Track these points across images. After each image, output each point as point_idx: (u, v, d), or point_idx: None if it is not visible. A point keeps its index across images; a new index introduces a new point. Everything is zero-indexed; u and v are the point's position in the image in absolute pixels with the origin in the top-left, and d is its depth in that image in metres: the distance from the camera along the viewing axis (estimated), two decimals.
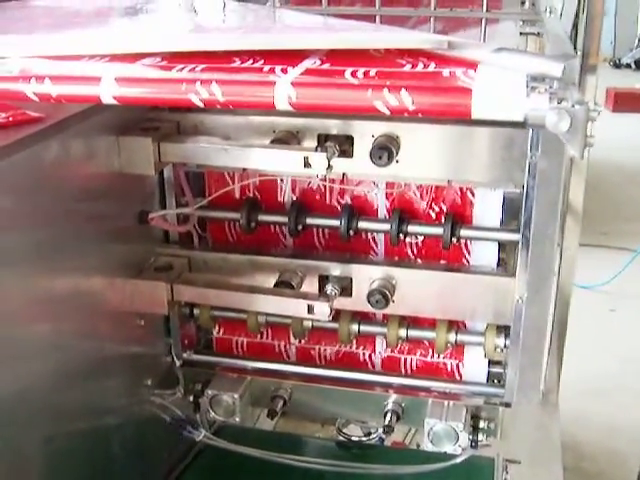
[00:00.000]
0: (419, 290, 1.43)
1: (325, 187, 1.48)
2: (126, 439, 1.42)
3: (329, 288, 1.43)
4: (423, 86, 0.90)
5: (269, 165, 1.32)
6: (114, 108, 1.28)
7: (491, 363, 1.55)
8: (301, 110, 0.97)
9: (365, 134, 1.33)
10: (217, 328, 1.63)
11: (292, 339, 1.60)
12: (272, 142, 1.35)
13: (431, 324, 1.52)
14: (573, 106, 0.81)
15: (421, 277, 1.43)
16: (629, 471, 2.14)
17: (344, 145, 1.34)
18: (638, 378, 2.51)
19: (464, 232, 1.41)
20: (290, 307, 1.36)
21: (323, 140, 1.35)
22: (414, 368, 1.57)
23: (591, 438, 2.23)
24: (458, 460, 1.48)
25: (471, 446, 1.47)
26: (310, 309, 1.33)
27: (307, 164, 1.26)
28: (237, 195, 1.52)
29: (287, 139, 1.35)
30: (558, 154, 1.27)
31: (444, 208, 1.44)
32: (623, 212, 3.75)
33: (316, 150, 1.25)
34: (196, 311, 1.57)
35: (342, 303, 1.43)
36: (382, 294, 1.39)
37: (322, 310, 1.33)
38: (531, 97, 0.84)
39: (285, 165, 1.29)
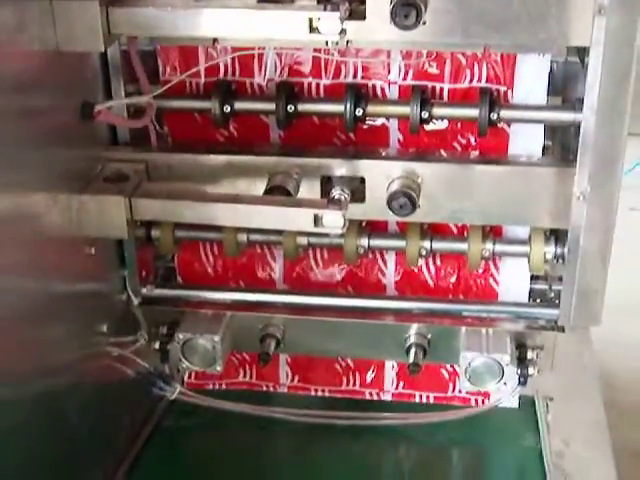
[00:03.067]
0: (451, 190, 1.35)
1: (321, 62, 1.38)
2: (84, 401, 1.33)
3: (336, 192, 1.34)
4: None
5: (260, 31, 1.20)
6: None
7: (533, 278, 1.50)
8: None
9: None
10: (182, 253, 1.53)
11: (282, 261, 1.52)
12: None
13: (459, 233, 1.46)
14: None
15: (453, 173, 1.35)
16: None
17: (353, 4, 1.23)
18: None
19: (505, 113, 1.34)
20: (291, 220, 1.27)
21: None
22: (438, 289, 1.51)
23: (624, 366, 2.23)
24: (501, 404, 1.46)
25: (519, 382, 1.42)
26: (317, 221, 1.24)
27: (313, 29, 1.15)
28: (203, 78, 1.41)
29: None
30: (634, 6, 1.20)
31: (477, 83, 1.36)
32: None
33: (325, 9, 1.15)
34: (155, 232, 1.46)
35: (351, 212, 1.33)
36: (408, 196, 1.30)
37: (334, 221, 1.24)
38: None
39: (283, 31, 1.18)
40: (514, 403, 1.55)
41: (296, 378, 1.62)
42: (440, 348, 1.46)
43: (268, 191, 1.33)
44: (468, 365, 1.40)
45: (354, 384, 1.61)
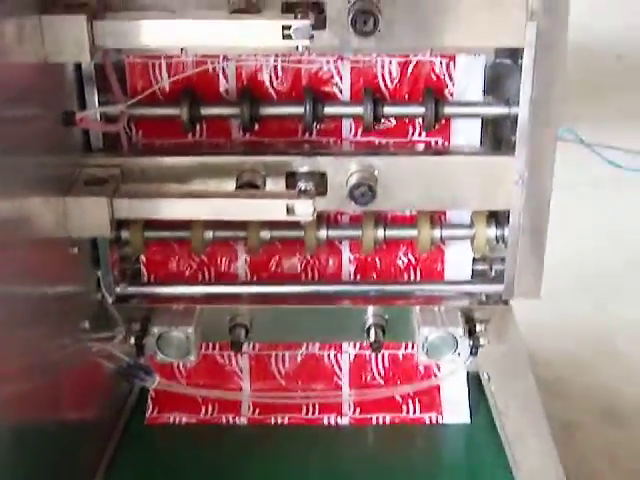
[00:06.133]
0: (405, 180, 1.48)
1: (277, 69, 1.50)
2: (68, 396, 1.41)
3: (302, 185, 1.46)
4: None
5: (237, 40, 1.31)
6: None
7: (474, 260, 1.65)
8: None
9: None
10: (150, 253, 1.62)
11: (244, 256, 1.62)
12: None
13: (409, 221, 1.60)
14: None
15: (406, 165, 1.49)
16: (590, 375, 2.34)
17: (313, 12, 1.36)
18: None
19: (449, 110, 1.49)
20: (265, 210, 1.38)
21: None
22: (391, 273, 1.64)
23: (541, 342, 2.40)
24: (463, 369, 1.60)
25: (471, 352, 1.57)
26: (290, 209, 1.36)
27: (286, 36, 1.27)
28: (167, 88, 1.51)
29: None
30: (560, 11, 1.36)
31: (419, 84, 1.51)
32: None
33: (296, 18, 1.28)
34: (124, 234, 1.55)
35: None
36: (368, 186, 1.43)
37: (304, 209, 1.36)
38: None
39: (259, 38, 1.30)
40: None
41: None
42: (397, 326, 1.60)
43: (239, 187, 1.45)
44: (425, 340, 1.54)
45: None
